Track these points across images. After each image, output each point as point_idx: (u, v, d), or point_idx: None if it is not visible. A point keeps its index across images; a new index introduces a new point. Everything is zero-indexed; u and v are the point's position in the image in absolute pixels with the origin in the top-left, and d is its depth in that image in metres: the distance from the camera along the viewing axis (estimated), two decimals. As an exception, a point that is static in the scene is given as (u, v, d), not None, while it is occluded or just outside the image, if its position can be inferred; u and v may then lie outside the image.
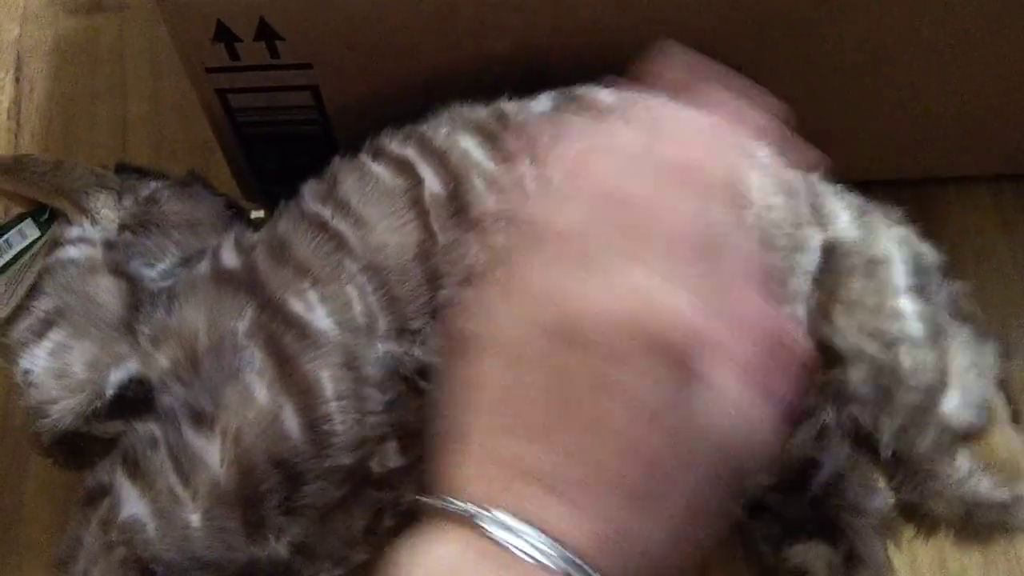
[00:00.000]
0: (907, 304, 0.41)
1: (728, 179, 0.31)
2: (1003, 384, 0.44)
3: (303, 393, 0.40)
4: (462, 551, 0.26)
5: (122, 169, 0.49)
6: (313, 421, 0.40)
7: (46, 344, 0.43)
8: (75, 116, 0.64)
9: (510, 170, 0.41)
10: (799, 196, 0.42)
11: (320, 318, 0.41)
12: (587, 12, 0.46)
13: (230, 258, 0.44)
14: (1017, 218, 0.58)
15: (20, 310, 0.44)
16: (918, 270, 0.42)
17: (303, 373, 0.40)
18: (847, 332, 0.40)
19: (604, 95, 0.44)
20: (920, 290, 0.42)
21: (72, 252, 0.45)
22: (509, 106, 0.45)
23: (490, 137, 0.43)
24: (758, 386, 0.28)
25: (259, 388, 0.40)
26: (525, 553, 0.26)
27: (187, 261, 0.46)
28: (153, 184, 0.48)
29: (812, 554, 0.43)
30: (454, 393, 0.29)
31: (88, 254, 0.45)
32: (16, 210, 0.49)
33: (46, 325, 0.43)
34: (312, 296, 0.42)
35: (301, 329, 0.41)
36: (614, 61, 0.48)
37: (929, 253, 0.44)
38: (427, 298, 0.42)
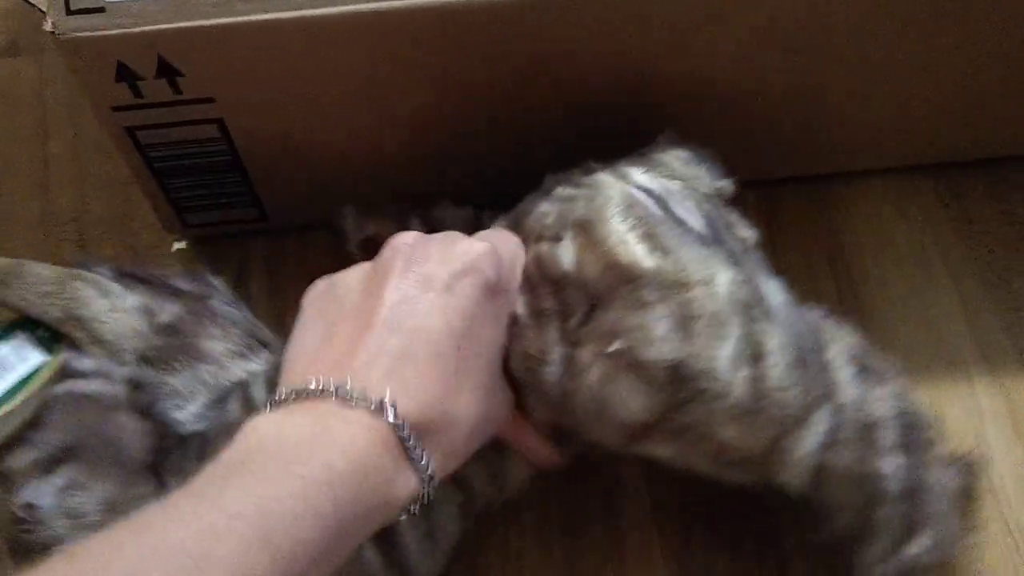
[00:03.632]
0: (890, 464, 0.42)
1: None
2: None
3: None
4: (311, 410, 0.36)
5: (123, 275, 0.47)
6: (391, 547, 0.42)
7: (56, 480, 0.41)
8: (-3, 159, 0.65)
9: None
10: (810, 365, 0.42)
11: None
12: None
13: (264, 399, 0.43)
14: (912, 208, 0.60)
15: (19, 441, 0.41)
16: (907, 428, 0.43)
17: None
18: (836, 492, 0.43)
19: None
20: (905, 446, 0.43)
21: (86, 386, 0.43)
22: None
23: None
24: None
25: None
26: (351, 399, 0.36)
27: (220, 401, 0.45)
28: (170, 308, 0.46)
29: None
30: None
31: (106, 390, 0.43)
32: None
33: (55, 461, 0.41)
34: None
35: None
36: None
37: (921, 411, 0.45)
38: None
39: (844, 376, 0.43)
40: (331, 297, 0.41)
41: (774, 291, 0.44)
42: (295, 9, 0.46)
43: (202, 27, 0.46)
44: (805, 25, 0.50)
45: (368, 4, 0.46)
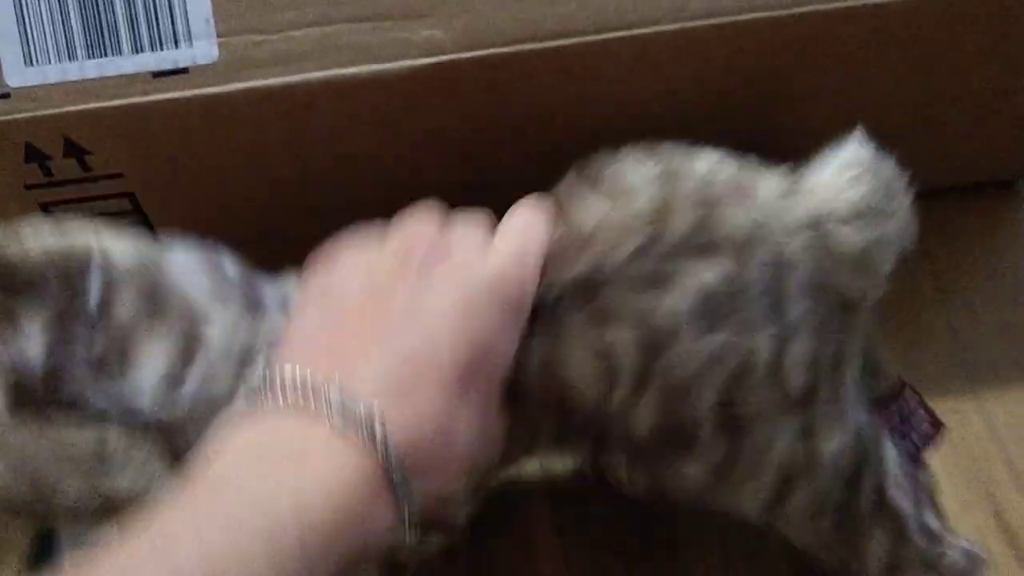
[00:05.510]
0: None
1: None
2: None
3: None
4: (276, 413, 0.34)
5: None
6: None
7: None
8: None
9: None
10: None
11: None
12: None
13: None
14: None
15: None
16: None
17: None
18: None
19: None
20: None
21: None
22: None
23: None
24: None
25: None
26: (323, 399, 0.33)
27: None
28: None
29: None
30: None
31: None
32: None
33: None
34: None
35: None
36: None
37: None
38: None
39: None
40: (335, 285, 0.39)
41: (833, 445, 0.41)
42: (195, 88, 0.48)
43: (105, 108, 0.48)
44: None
45: (263, 81, 0.48)
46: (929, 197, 0.63)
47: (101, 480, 0.38)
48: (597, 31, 0.48)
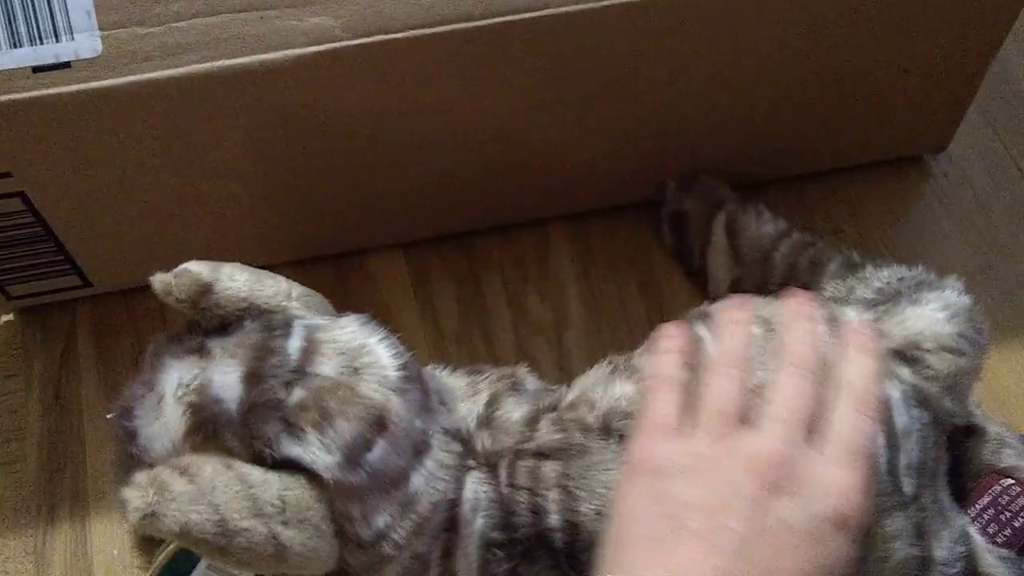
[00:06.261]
0: None
1: None
2: None
3: None
4: None
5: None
6: None
7: None
8: None
9: None
10: None
11: None
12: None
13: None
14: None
15: None
16: None
17: None
18: None
19: None
20: None
21: None
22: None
23: None
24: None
25: None
26: None
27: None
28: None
29: None
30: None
31: None
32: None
33: None
34: None
35: None
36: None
37: None
38: None
39: None
40: (669, 488, 0.38)
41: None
42: (78, 83, 0.47)
43: (-13, 105, 0.47)
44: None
45: (148, 74, 0.47)
46: (838, 174, 0.65)
47: (281, 529, 0.38)
48: (490, 15, 0.48)
